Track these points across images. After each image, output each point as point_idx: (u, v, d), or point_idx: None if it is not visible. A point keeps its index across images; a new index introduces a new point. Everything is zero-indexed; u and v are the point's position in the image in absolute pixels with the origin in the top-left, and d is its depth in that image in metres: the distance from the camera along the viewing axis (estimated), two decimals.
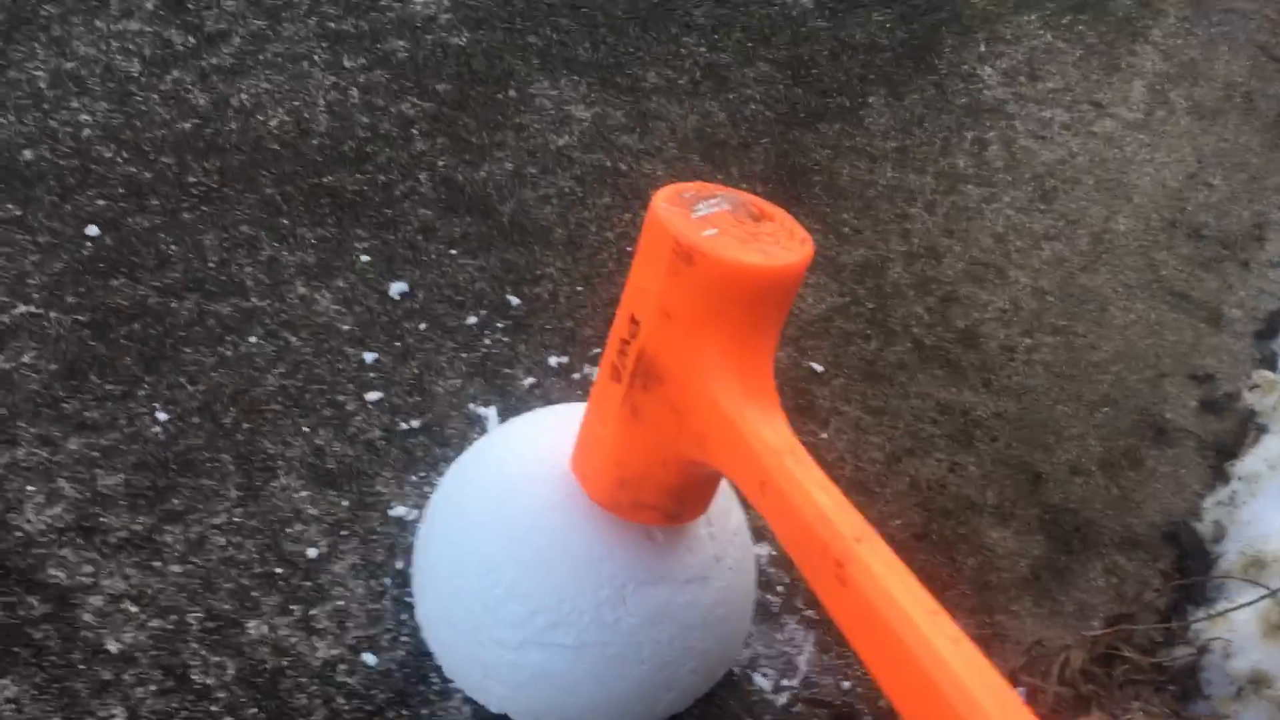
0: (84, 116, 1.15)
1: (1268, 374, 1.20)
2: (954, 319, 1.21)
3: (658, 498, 0.72)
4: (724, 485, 0.86)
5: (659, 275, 0.62)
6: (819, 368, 1.12)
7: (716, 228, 0.61)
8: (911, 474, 1.06)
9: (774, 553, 0.96)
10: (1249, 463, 1.10)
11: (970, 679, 0.46)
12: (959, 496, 1.05)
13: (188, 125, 1.18)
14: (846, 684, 0.90)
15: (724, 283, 0.60)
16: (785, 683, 0.89)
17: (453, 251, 1.13)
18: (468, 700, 0.83)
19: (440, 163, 1.21)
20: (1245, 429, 1.16)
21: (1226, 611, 0.95)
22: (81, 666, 0.80)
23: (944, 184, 1.35)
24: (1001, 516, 1.04)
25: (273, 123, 1.20)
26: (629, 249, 1.18)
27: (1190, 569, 1.03)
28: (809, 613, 0.93)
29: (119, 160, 1.13)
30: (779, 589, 0.94)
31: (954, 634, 0.48)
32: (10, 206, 1.06)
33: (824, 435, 1.07)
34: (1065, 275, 1.28)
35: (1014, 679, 0.92)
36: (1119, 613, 0.99)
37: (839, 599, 0.53)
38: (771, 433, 0.61)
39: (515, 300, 1.11)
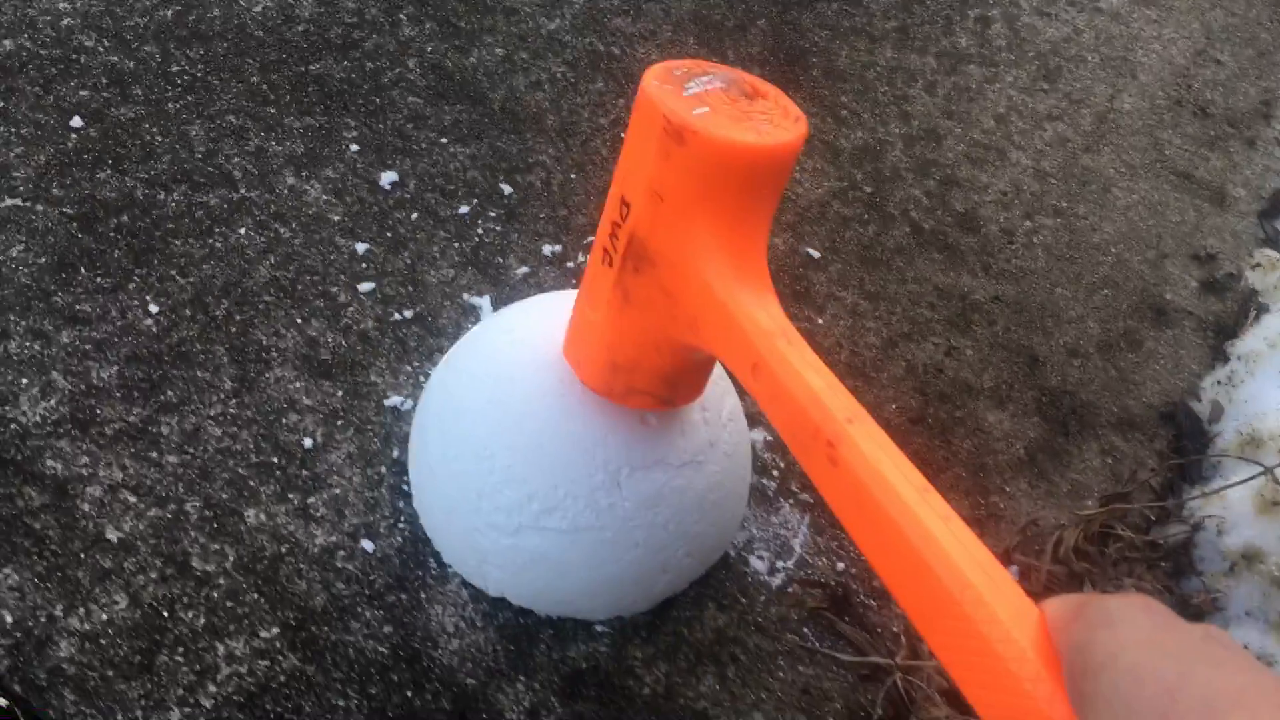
0: (63, 4, 1.13)
1: (1270, 252, 1.18)
2: (953, 202, 1.19)
3: (651, 383, 0.72)
4: (719, 372, 0.86)
5: (650, 156, 0.60)
6: (816, 253, 1.11)
7: (708, 106, 0.60)
8: (908, 358, 1.05)
9: (769, 438, 0.96)
10: (1249, 342, 1.09)
11: (959, 555, 0.45)
12: (956, 380, 1.05)
13: (169, 12, 1.15)
14: (840, 565, 0.91)
15: (716, 162, 0.59)
16: (780, 564, 0.90)
17: (443, 140, 1.12)
18: (465, 584, 0.84)
19: (429, 49, 1.18)
20: (1246, 309, 1.15)
21: (1221, 489, 0.96)
22: (82, 555, 0.81)
23: (945, 64, 1.32)
24: (998, 399, 1.04)
25: (256, 9, 1.17)
26: (622, 135, 1.16)
27: (1187, 449, 1.03)
28: (804, 496, 0.94)
29: (100, 49, 1.10)
30: (774, 473, 0.95)
31: (944, 511, 0.48)
32: None
33: (820, 321, 1.06)
34: (1067, 156, 1.26)
35: (1008, 558, 0.93)
36: (1114, 492, 1.00)
37: (830, 479, 0.53)
38: (764, 315, 0.60)
39: (507, 189, 1.09)
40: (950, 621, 0.44)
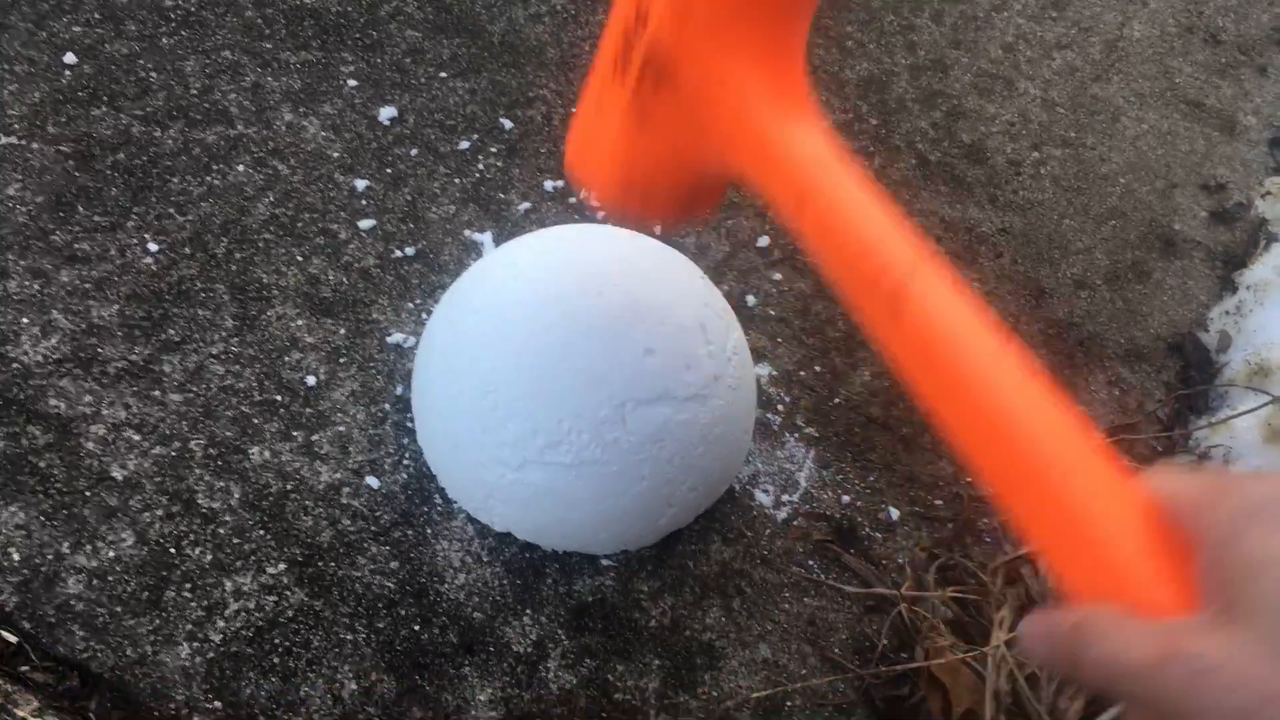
0: None
1: None
2: (960, 133, 1.17)
3: (669, 199, 0.65)
4: (723, 304, 0.85)
5: None
6: None
7: None
8: None
9: (774, 372, 0.96)
10: (1258, 271, 1.08)
11: (1035, 420, 0.41)
12: None
13: None
14: (846, 498, 0.91)
15: None
16: (785, 498, 0.90)
17: (442, 74, 1.10)
18: (471, 520, 0.84)
19: None
20: (1255, 238, 1.14)
21: (1229, 419, 0.95)
22: (88, 493, 0.81)
23: None
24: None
25: None
26: None
27: (1194, 379, 1.03)
28: (809, 430, 0.94)
29: None
30: (779, 407, 0.94)
31: (1019, 372, 0.43)
32: None
33: None
34: (1076, 85, 1.24)
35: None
36: (1121, 423, 0.99)
37: (893, 332, 0.47)
38: (807, 142, 0.53)
39: (508, 123, 1.08)
40: (1028, 486, 0.41)
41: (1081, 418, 0.41)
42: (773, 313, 1.00)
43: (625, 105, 0.59)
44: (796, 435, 0.93)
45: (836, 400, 0.95)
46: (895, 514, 0.91)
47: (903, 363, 0.46)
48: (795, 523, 0.89)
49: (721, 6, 0.53)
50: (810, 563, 0.88)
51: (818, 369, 0.97)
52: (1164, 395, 1.02)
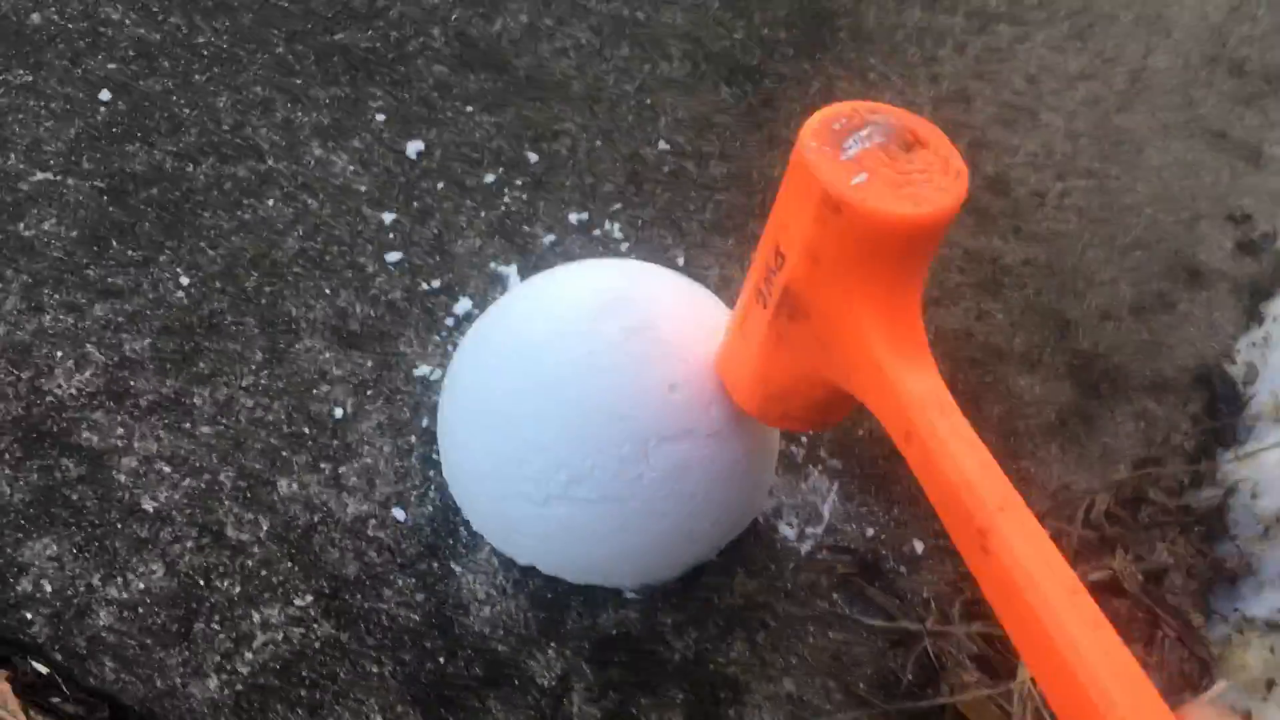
0: None
1: None
2: (983, 165, 1.18)
3: (804, 411, 0.72)
4: None
5: (805, 219, 0.60)
6: None
7: (866, 170, 0.58)
8: (937, 324, 1.05)
9: None
10: None
11: (1102, 666, 0.45)
12: (986, 345, 1.04)
13: None
14: (870, 531, 0.91)
15: (873, 233, 0.57)
16: (809, 530, 0.90)
17: (469, 108, 1.11)
18: (496, 552, 0.84)
19: (453, 16, 1.18)
20: None
21: (1256, 452, 0.95)
22: (119, 525, 0.82)
23: (975, 24, 1.30)
24: (1029, 364, 1.04)
25: None
26: (648, 101, 1.15)
27: (1221, 411, 1.02)
28: (833, 463, 0.94)
29: (127, 22, 1.11)
30: (802, 440, 0.95)
31: (1093, 617, 0.47)
32: (21, 72, 1.05)
33: None
34: (1100, 116, 1.24)
35: (1038, 523, 0.93)
36: (1146, 456, 0.99)
37: (981, 566, 0.52)
38: (917, 382, 0.59)
39: (534, 157, 1.09)
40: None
41: (1145, 676, 0.45)
42: None
43: (765, 329, 0.67)
44: (820, 468, 0.94)
45: (860, 432, 0.96)
46: (920, 547, 0.91)
47: (988, 596, 0.52)
48: (819, 556, 0.89)
49: (849, 254, 0.59)
50: (834, 596, 0.88)
51: None
52: (1190, 427, 1.02)
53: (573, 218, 1.05)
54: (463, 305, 0.97)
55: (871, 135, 0.60)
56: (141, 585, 0.80)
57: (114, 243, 0.96)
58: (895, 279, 0.60)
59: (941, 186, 0.58)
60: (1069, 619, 0.47)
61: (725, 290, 1.01)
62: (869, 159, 0.58)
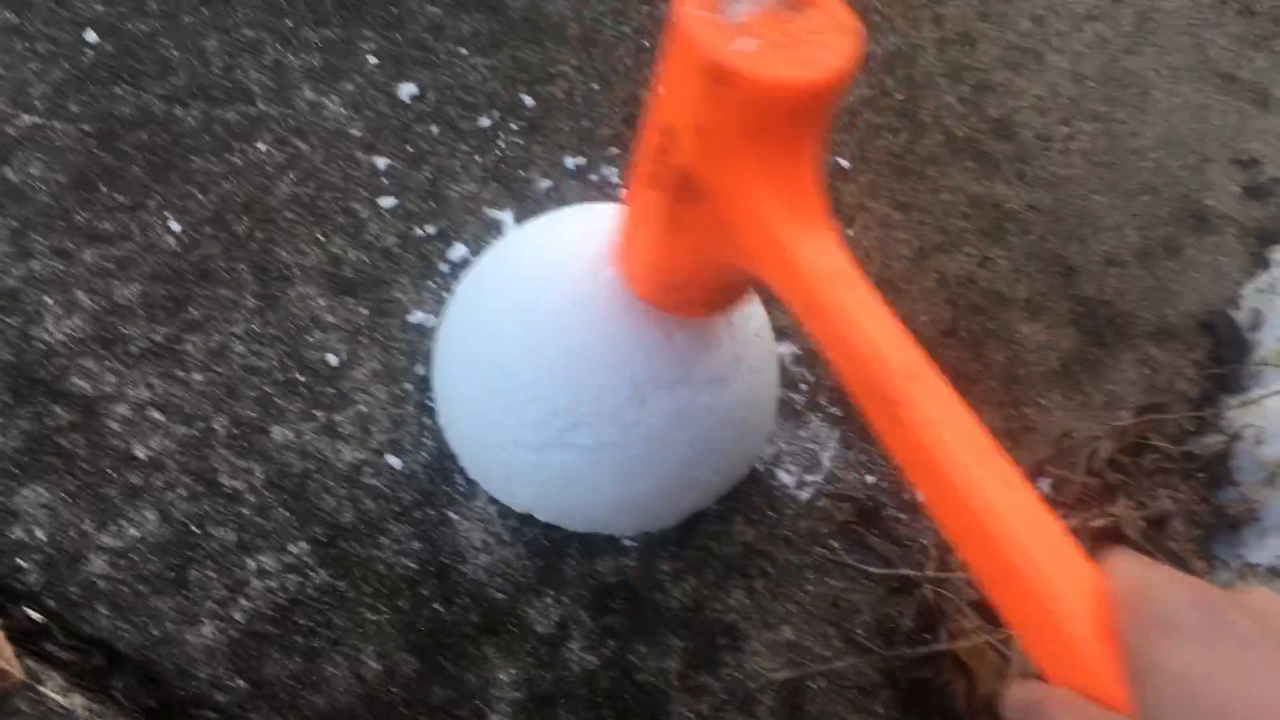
0: None
1: None
2: (988, 108, 1.16)
3: (705, 295, 0.71)
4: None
5: (692, 93, 0.56)
6: (845, 163, 1.08)
7: (751, 35, 0.54)
8: (940, 270, 1.03)
9: (798, 351, 0.95)
10: None
11: (1018, 523, 0.45)
12: (989, 291, 1.03)
13: None
14: (870, 479, 0.90)
15: (764, 102, 0.55)
16: (809, 478, 0.89)
17: (463, 51, 1.09)
18: (492, 500, 0.84)
19: None
20: None
21: (1261, 398, 0.94)
22: (111, 473, 0.81)
23: None
24: (1032, 310, 1.02)
25: None
26: (646, 44, 1.13)
27: (1226, 358, 1.01)
28: (833, 410, 0.93)
29: None
30: (802, 387, 0.94)
31: (1007, 476, 0.47)
32: (6, 13, 1.02)
33: (850, 232, 1.04)
34: (1107, 58, 1.22)
35: (1041, 470, 0.92)
36: (1150, 403, 0.98)
37: (892, 435, 0.51)
38: (821, 256, 0.56)
39: (529, 100, 1.07)
40: (1009, 583, 0.44)
41: (1064, 530, 0.45)
42: None
43: (663, 215, 0.64)
44: (820, 415, 0.93)
45: None
46: (920, 495, 0.90)
47: (903, 466, 0.51)
48: (818, 503, 0.88)
49: (740, 126, 0.56)
50: (833, 543, 0.87)
51: None
52: (1194, 374, 1.01)
53: (569, 162, 1.03)
54: (458, 251, 0.96)
55: None
56: (135, 533, 0.79)
57: (102, 187, 0.94)
58: (791, 149, 0.57)
59: (834, 46, 0.55)
60: (983, 479, 0.46)
61: None
62: (755, 23, 0.55)
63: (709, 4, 0.55)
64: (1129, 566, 0.40)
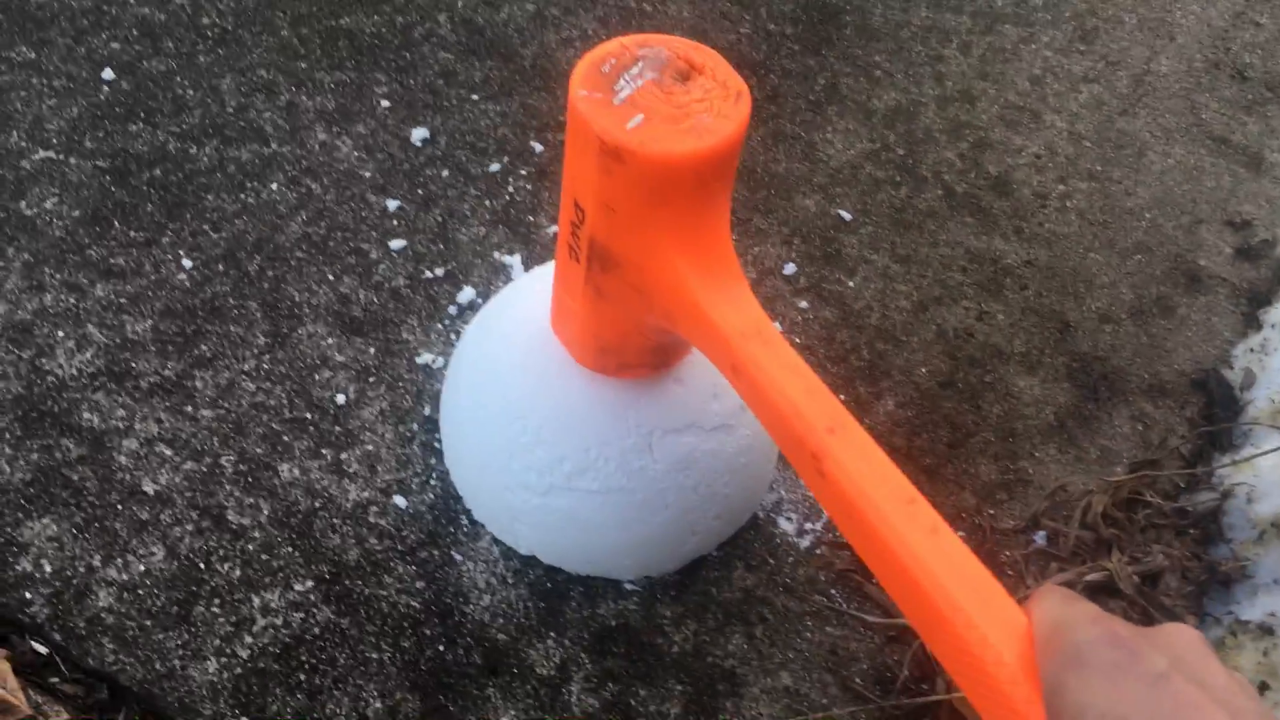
0: None
1: None
2: (986, 165, 1.18)
3: (640, 357, 0.72)
4: None
5: (591, 170, 0.58)
6: (847, 215, 1.10)
7: (642, 111, 0.56)
8: (939, 322, 1.05)
9: None
10: None
11: (944, 570, 0.46)
12: (986, 345, 1.05)
13: None
14: None
15: (659, 176, 0.56)
16: (808, 526, 0.90)
17: (474, 96, 1.11)
18: (496, 541, 0.85)
19: (460, 3, 1.18)
20: None
21: (1252, 457, 0.95)
22: (119, 507, 0.82)
23: (981, 24, 1.30)
24: (1029, 365, 1.04)
25: None
26: None
27: (1218, 416, 1.03)
28: None
29: (131, 1, 1.10)
30: None
31: (931, 523, 0.48)
32: (24, 50, 1.04)
33: (851, 283, 1.06)
34: (1103, 119, 1.25)
35: (1035, 523, 0.93)
36: (1144, 459, 0.99)
37: (819, 488, 0.53)
38: (735, 315, 0.58)
39: (538, 146, 1.09)
40: (938, 629, 0.46)
41: (988, 572, 0.46)
42: (798, 340, 1.00)
43: (582, 284, 0.65)
44: None
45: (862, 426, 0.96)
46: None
47: (833, 517, 0.53)
48: (818, 551, 0.89)
49: (641, 199, 0.57)
50: (832, 591, 0.88)
51: (842, 398, 0.96)
52: (1187, 431, 1.02)
53: None
54: (466, 294, 0.97)
55: (643, 71, 0.58)
56: (142, 567, 0.79)
57: (116, 223, 0.95)
58: (696, 215, 0.59)
59: (723, 112, 0.57)
60: (905, 528, 0.48)
61: None
62: (643, 97, 0.56)
63: (601, 85, 0.57)
64: (1050, 603, 0.41)
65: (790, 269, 1.05)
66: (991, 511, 0.93)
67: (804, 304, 1.03)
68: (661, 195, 0.57)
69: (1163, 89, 1.29)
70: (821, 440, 0.52)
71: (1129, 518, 0.94)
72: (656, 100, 0.57)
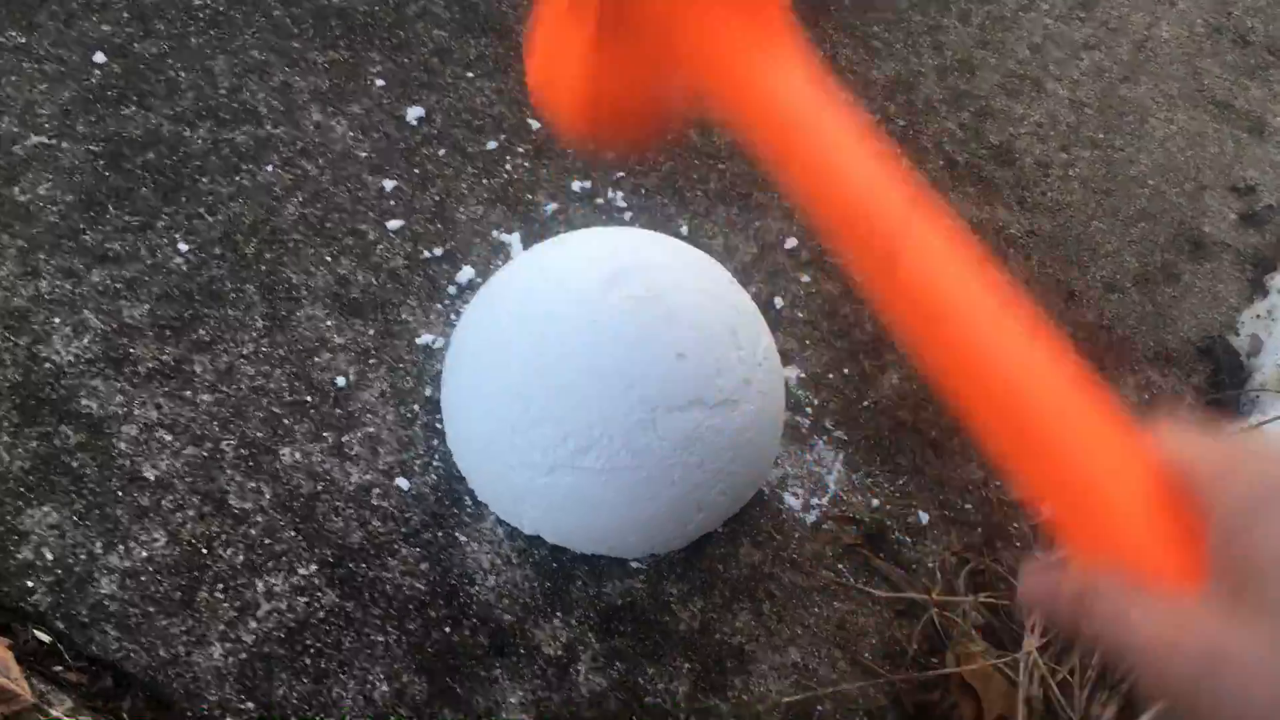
0: None
1: None
2: (988, 135, 1.17)
3: (632, 127, 0.62)
4: (753, 308, 0.85)
5: None
6: None
7: None
8: None
9: (802, 375, 0.96)
10: None
11: (1046, 388, 0.41)
12: None
13: None
14: (875, 501, 0.91)
15: None
16: (814, 501, 0.90)
17: (469, 74, 1.10)
18: (501, 522, 0.84)
19: None
20: None
21: (1260, 424, 0.95)
22: (120, 493, 0.81)
23: None
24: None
25: None
26: None
27: (1225, 383, 1.02)
28: (838, 434, 0.93)
29: None
30: (807, 410, 0.94)
31: (1025, 329, 0.42)
32: (14, 34, 1.03)
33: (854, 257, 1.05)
34: (1104, 86, 1.23)
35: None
36: None
37: (888, 285, 0.45)
38: (789, 82, 0.48)
39: (535, 124, 1.08)
40: (1036, 441, 0.40)
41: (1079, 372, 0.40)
42: (801, 315, 0.99)
43: (587, 41, 0.53)
44: (825, 438, 0.93)
45: (865, 403, 0.95)
46: (925, 518, 0.90)
47: (899, 316, 0.45)
48: (824, 526, 0.89)
49: None
50: (840, 566, 0.87)
51: (846, 372, 0.97)
52: (1194, 399, 1.02)
53: (575, 185, 1.04)
54: (465, 273, 0.96)
55: None
56: (144, 554, 0.79)
57: (110, 208, 0.94)
58: None
59: None
60: (1002, 336, 0.42)
61: (730, 259, 1.01)
62: None
63: None
64: (1196, 438, 0.37)
65: (792, 243, 1.04)
66: (998, 484, 0.92)
67: (806, 278, 1.02)
68: None
69: (1164, 55, 1.28)
70: (896, 232, 0.44)
71: None
72: None
